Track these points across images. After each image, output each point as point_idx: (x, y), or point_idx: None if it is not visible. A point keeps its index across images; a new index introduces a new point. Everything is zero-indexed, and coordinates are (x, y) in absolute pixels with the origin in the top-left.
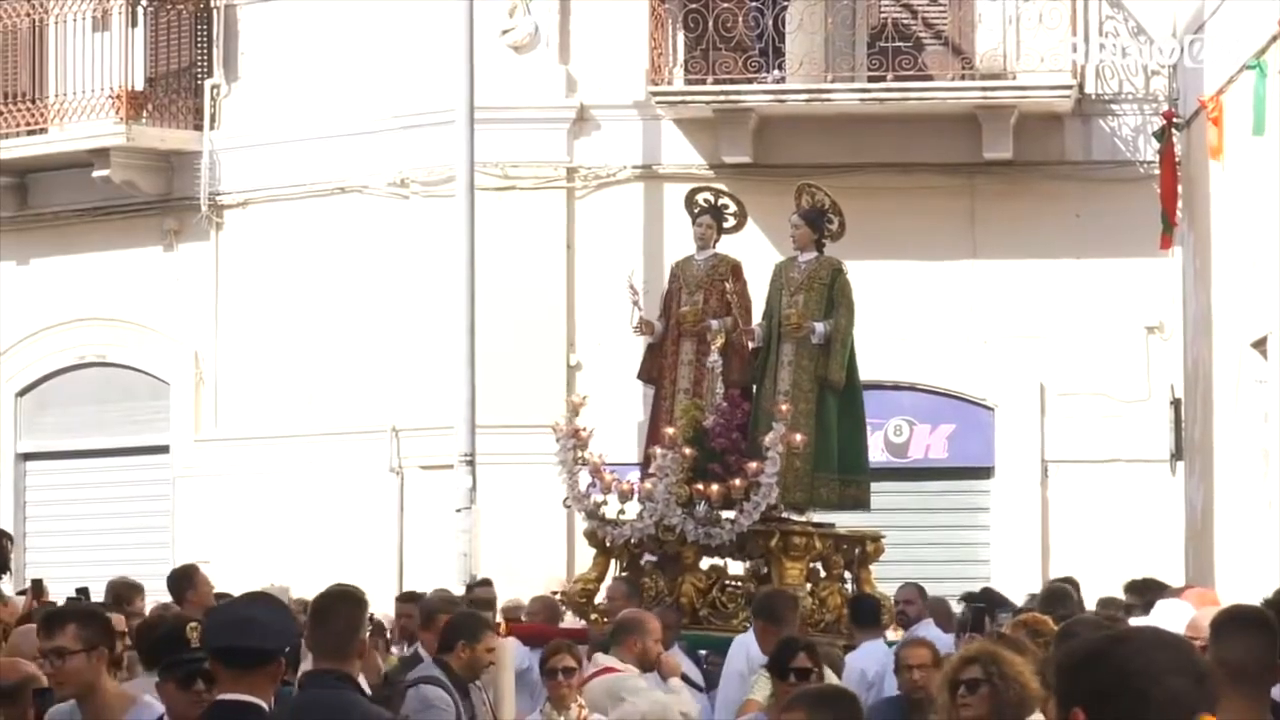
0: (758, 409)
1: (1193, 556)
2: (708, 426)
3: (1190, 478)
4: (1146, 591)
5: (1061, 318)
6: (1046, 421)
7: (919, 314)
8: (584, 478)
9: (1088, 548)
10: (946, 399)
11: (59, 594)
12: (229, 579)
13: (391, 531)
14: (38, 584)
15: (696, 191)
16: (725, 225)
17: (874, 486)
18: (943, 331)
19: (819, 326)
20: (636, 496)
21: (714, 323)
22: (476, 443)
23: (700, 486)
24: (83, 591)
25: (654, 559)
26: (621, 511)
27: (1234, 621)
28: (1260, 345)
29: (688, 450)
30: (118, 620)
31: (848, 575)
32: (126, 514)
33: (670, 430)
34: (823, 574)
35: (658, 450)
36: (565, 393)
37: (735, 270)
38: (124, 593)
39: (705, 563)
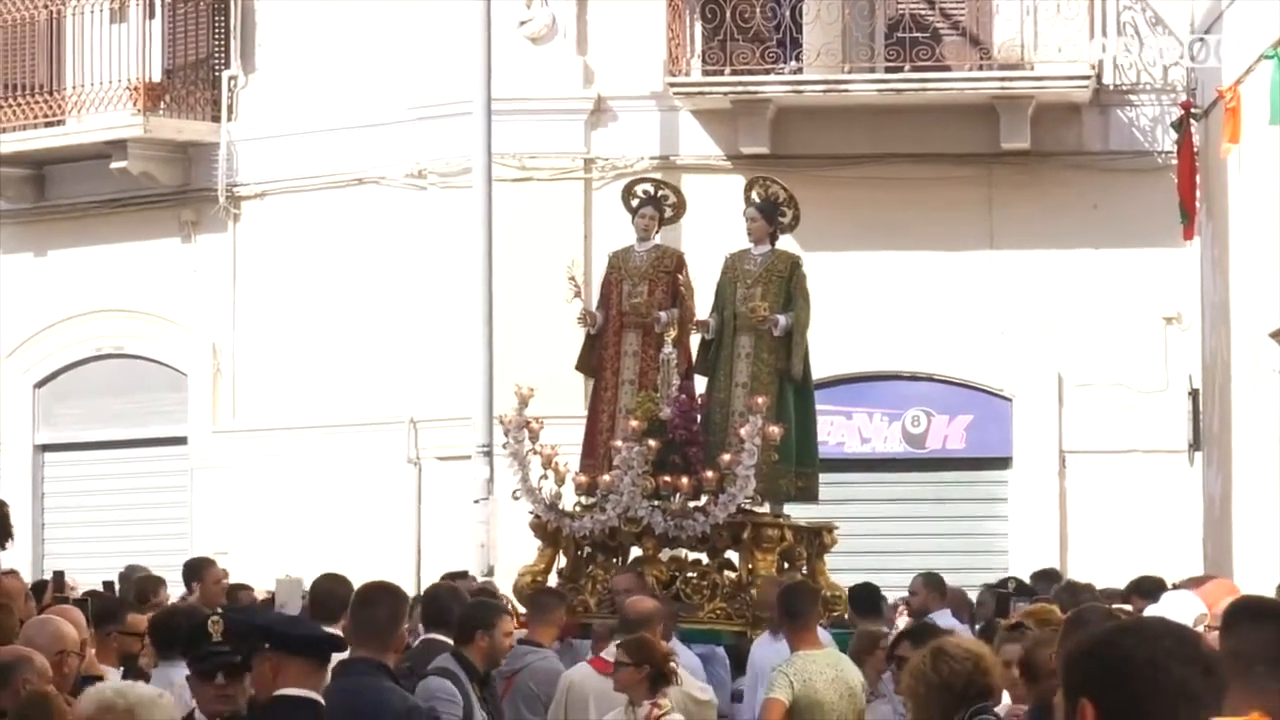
0: (711, 401)
1: (1210, 546)
2: (664, 419)
3: (1208, 468)
4: (1145, 587)
5: (1079, 308)
6: (1064, 412)
7: (936, 304)
8: (535, 469)
9: (1105, 538)
10: (964, 389)
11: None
12: (247, 570)
13: (409, 522)
14: (59, 576)
15: (635, 183)
16: (665, 216)
17: (892, 477)
18: (960, 322)
19: (781, 319)
20: (598, 489)
21: (663, 315)
22: (494, 434)
23: (668, 478)
24: (108, 585)
25: (589, 550)
26: (578, 504)
27: (1247, 612)
28: (1278, 335)
29: (652, 442)
30: (137, 620)
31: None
32: (144, 505)
33: (634, 423)
34: (786, 565)
35: (620, 443)
36: (582, 384)
37: (681, 262)
38: (147, 586)
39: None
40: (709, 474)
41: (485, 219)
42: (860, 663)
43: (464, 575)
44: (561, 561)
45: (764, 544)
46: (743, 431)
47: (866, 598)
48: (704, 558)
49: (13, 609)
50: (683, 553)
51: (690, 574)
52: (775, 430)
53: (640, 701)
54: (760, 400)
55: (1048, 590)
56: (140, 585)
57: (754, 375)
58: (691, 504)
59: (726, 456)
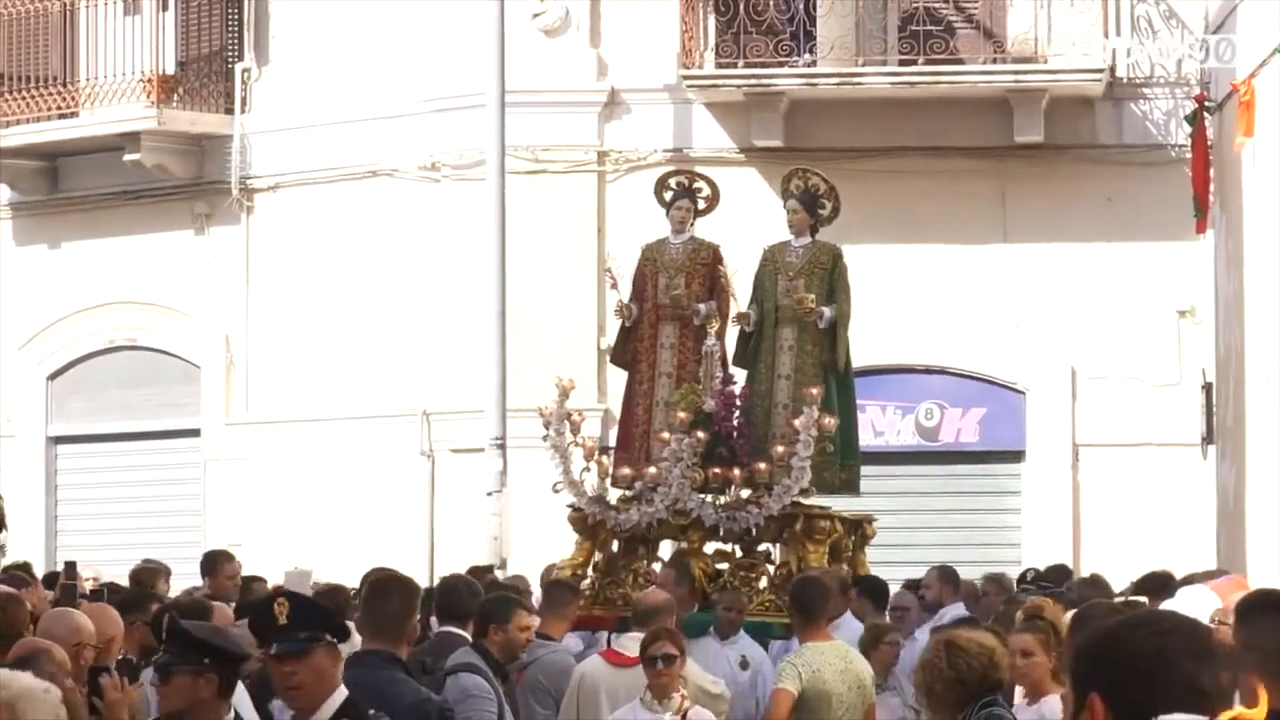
0: (752, 393)
1: (1224, 540)
2: (709, 411)
3: (1222, 462)
4: (1150, 584)
5: (1093, 301)
6: (1078, 405)
7: (950, 298)
8: (577, 461)
9: (1119, 532)
10: (977, 383)
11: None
12: (260, 563)
13: (422, 515)
14: (70, 566)
15: (669, 175)
16: (699, 208)
17: (905, 470)
18: (974, 315)
19: (826, 312)
20: (638, 482)
21: (702, 307)
22: (507, 426)
23: (718, 470)
24: (70, 565)
25: (621, 544)
26: (622, 496)
27: (1261, 606)
28: None
29: (701, 434)
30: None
31: None
32: (157, 498)
33: (682, 414)
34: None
35: (667, 435)
36: (596, 376)
37: (718, 254)
38: (143, 577)
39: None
40: (761, 466)
41: (499, 211)
42: (866, 655)
43: (489, 570)
44: (597, 555)
45: (816, 536)
46: (797, 423)
47: (874, 591)
48: (738, 550)
49: (23, 601)
50: (729, 545)
51: (737, 567)
52: (830, 421)
53: (671, 695)
54: (815, 391)
55: (1060, 585)
56: (136, 576)
57: (798, 368)
58: (743, 495)
59: (780, 449)
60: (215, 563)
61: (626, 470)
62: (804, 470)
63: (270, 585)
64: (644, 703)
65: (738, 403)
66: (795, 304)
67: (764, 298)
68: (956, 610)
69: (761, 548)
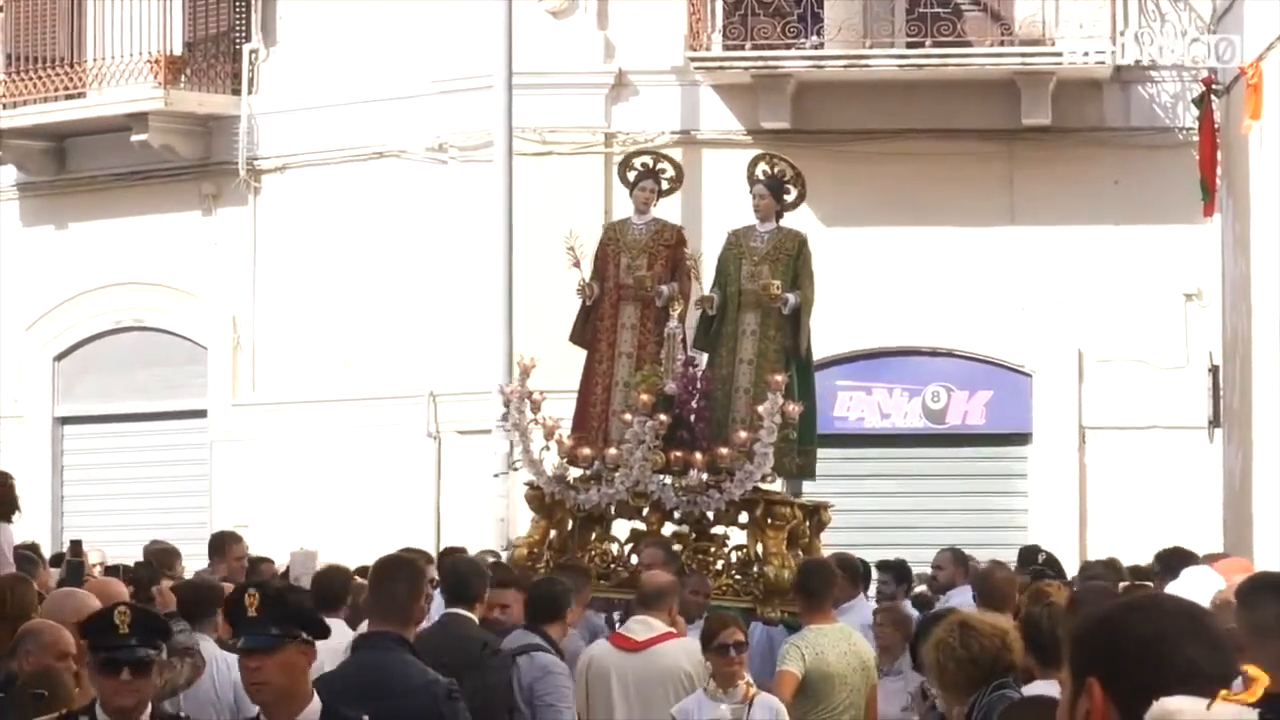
0: (713, 377)
1: (1230, 523)
2: (670, 393)
3: (1228, 444)
4: (1173, 561)
5: (1100, 284)
6: (1084, 388)
7: (957, 280)
8: (537, 440)
9: (1125, 514)
10: (984, 365)
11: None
12: (267, 544)
13: (429, 496)
14: (75, 545)
15: (633, 156)
16: (662, 189)
17: (912, 453)
18: (980, 298)
19: (790, 298)
20: (596, 462)
21: (664, 288)
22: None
23: (679, 454)
24: (76, 543)
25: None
26: (580, 476)
27: (1262, 588)
28: None
29: (663, 417)
30: (165, 591)
31: None
32: (164, 478)
33: (645, 397)
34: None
35: (629, 417)
36: None
37: (681, 237)
38: (163, 559)
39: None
40: (723, 451)
41: (505, 193)
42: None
43: (462, 550)
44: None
45: (775, 521)
46: (761, 409)
47: (857, 572)
48: (693, 533)
49: (31, 583)
50: (684, 527)
51: (695, 550)
52: (794, 409)
53: (736, 682)
54: (779, 378)
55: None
56: (157, 557)
57: (760, 353)
58: (704, 478)
59: (743, 434)
60: (223, 544)
61: (587, 450)
62: (767, 456)
63: (277, 566)
64: (708, 693)
65: (699, 386)
66: (760, 290)
67: (727, 282)
68: (964, 594)
69: (717, 530)
